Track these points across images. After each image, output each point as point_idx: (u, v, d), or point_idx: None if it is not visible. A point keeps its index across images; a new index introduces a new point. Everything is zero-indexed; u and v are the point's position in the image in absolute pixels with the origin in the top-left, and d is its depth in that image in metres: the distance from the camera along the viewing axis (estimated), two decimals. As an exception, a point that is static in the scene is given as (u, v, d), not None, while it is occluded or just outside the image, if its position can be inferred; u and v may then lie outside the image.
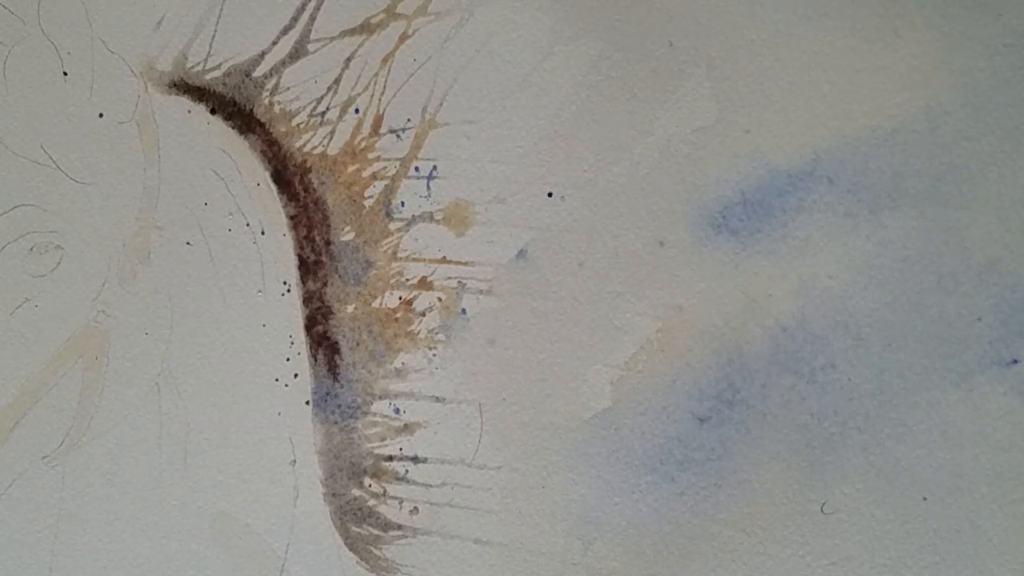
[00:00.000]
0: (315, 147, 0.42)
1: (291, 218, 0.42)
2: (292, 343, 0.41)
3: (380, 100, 0.42)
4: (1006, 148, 0.40)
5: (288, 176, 0.42)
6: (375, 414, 0.40)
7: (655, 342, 0.40)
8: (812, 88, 0.41)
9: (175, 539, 0.40)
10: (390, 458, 0.40)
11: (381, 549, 0.39)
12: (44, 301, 0.42)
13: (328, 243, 0.42)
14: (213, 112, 0.43)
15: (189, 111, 0.43)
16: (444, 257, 0.41)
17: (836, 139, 0.40)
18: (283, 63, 0.43)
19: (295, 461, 0.40)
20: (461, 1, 0.43)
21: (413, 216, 0.42)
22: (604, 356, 0.40)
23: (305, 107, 0.43)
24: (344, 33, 0.43)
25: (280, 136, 0.43)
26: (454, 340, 0.41)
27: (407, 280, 0.41)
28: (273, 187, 0.42)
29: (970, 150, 0.40)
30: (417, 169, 0.42)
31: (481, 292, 0.41)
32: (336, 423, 0.40)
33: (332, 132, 0.42)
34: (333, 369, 0.41)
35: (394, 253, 0.41)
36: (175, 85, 0.43)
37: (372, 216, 0.42)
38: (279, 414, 0.41)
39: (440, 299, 0.41)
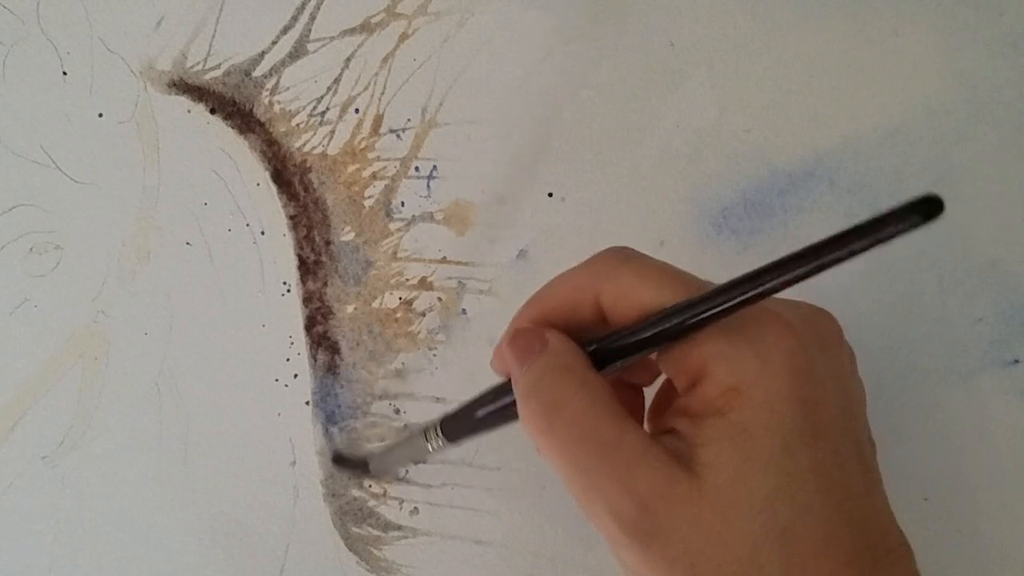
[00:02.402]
0: (315, 147, 0.42)
1: (291, 218, 0.42)
2: (292, 343, 0.41)
3: (380, 100, 0.42)
4: (1006, 148, 0.40)
5: (288, 176, 0.42)
6: (375, 414, 0.40)
7: (655, 342, 0.40)
8: (812, 88, 0.41)
9: (175, 539, 0.40)
10: (390, 458, 0.40)
11: (381, 549, 0.39)
12: (43, 301, 0.42)
13: (328, 243, 0.42)
14: (213, 112, 0.43)
15: (189, 111, 0.43)
16: (444, 257, 0.41)
17: (836, 139, 0.40)
18: (283, 63, 0.43)
19: (295, 462, 0.40)
20: (461, 1, 0.43)
21: (413, 216, 0.41)
22: (604, 356, 0.40)
23: (305, 107, 0.43)
24: (344, 33, 0.43)
25: (280, 136, 0.43)
26: (454, 340, 0.40)
27: (407, 280, 0.41)
28: (273, 187, 0.42)
29: (970, 150, 0.40)
30: (417, 169, 0.42)
31: (481, 292, 0.41)
32: (336, 423, 0.40)
33: (332, 132, 0.42)
34: (333, 369, 0.41)
35: (394, 253, 0.41)
36: (175, 85, 0.43)
37: (372, 216, 0.42)
38: (279, 414, 0.41)
39: (440, 299, 0.41)
